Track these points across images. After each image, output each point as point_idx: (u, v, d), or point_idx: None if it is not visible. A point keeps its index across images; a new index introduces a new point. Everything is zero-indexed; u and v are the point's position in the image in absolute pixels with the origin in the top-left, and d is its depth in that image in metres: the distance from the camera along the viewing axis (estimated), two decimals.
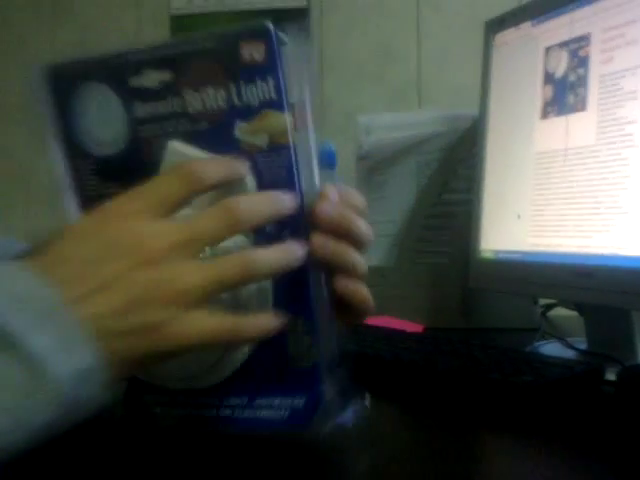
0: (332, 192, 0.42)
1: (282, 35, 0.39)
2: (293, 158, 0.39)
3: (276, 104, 0.39)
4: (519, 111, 0.79)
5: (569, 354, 0.72)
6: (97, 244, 0.35)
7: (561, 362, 0.60)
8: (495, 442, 0.47)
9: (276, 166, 0.39)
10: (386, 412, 0.54)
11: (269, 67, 0.39)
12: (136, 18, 2.01)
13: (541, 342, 0.78)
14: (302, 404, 0.40)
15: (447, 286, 0.96)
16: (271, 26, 0.38)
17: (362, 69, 1.91)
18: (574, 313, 0.93)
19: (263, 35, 0.39)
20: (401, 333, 0.77)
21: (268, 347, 0.39)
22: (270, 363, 0.40)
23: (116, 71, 0.41)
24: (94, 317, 0.33)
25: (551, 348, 0.75)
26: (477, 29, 0.90)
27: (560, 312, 1.02)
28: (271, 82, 0.38)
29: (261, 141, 0.39)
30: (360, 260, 0.42)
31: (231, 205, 0.37)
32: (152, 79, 0.40)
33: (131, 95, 0.41)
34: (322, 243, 0.40)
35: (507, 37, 0.82)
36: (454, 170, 0.97)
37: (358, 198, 0.44)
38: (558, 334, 0.81)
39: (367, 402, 0.44)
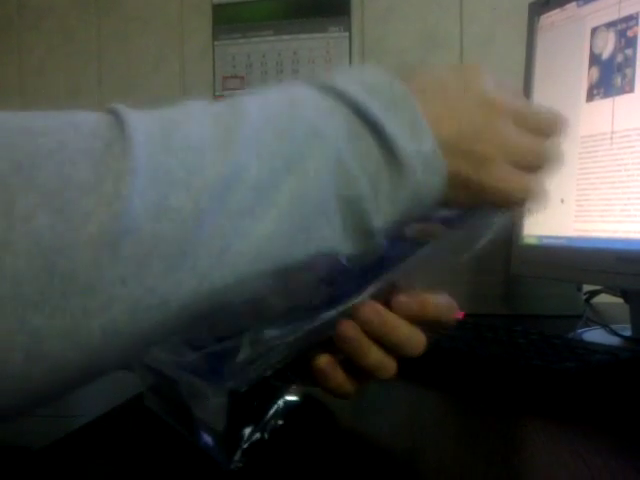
0: None
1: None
2: None
3: None
4: (564, 94, 0.78)
5: (613, 341, 0.71)
6: (454, 80, 0.40)
7: (605, 349, 0.59)
8: (538, 429, 0.47)
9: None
10: (427, 399, 0.54)
11: None
12: (179, 8, 2.03)
13: (584, 329, 0.77)
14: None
15: (489, 272, 0.95)
16: None
17: (404, 55, 1.89)
18: (619, 300, 0.92)
19: None
20: None
21: None
22: None
23: None
24: (439, 126, 0.37)
25: (595, 335, 0.74)
26: (521, 11, 0.89)
27: (604, 299, 1.00)
28: None
29: None
30: None
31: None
32: None
33: None
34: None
35: (552, 18, 0.81)
36: None
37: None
38: (602, 321, 0.80)
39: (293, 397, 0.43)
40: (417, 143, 0.35)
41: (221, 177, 0.30)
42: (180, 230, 0.29)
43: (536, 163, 0.43)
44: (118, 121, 0.29)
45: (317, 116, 0.34)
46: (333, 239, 0.34)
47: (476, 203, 0.40)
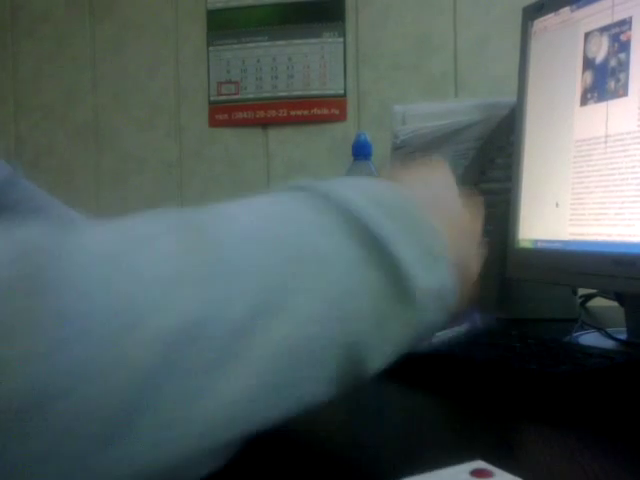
0: None
1: None
2: None
3: None
4: (558, 98, 0.78)
5: (608, 344, 0.71)
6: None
7: (600, 352, 0.59)
8: (534, 433, 0.47)
9: None
10: (423, 403, 0.53)
11: None
12: (173, 14, 2.03)
13: (580, 332, 0.77)
14: None
15: (484, 276, 0.95)
16: None
17: (398, 59, 1.90)
18: (614, 303, 0.92)
19: None
20: None
21: None
22: None
23: None
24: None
25: (590, 338, 0.74)
26: (515, 16, 0.89)
27: (599, 302, 1.00)
28: None
29: None
30: None
31: None
32: None
33: None
34: None
35: (545, 23, 0.81)
36: (491, 159, 0.96)
37: None
38: (597, 325, 0.80)
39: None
40: (433, 276, 0.30)
41: (189, 320, 0.23)
42: (121, 394, 0.22)
43: None
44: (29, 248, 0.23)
45: (315, 234, 0.28)
46: (322, 393, 0.28)
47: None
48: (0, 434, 0.21)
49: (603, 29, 0.71)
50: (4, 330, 0.21)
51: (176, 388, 0.23)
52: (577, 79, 0.74)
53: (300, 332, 0.26)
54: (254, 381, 0.25)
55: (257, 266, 0.26)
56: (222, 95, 2.00)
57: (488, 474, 0.33)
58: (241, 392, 0.25)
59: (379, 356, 0.30)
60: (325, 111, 1.93)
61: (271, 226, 0.28)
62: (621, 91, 0.68)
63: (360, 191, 0.31)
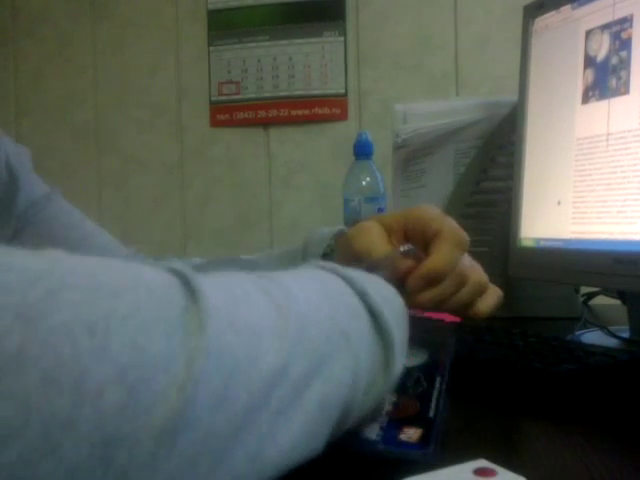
0: None
1: None
2: None
3: None
4: (559, 96, 0.78)
5: (611, 343, 0.70)
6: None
7: (603, 350, 0.59)
8: (537, 431, 0.46)
9: None
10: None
11: None
12: (174, 14, 2.03)
13: (582, 331, 0.77)
14: None
15: (487, 275, 0.95)
16: None
17: (399, 58, 1.90)
18: (616, 302, 0.92)
19: None
20: (440, 323, 0.77)
21: None
22: None
23: None
24: None
25: (593, 337, 0.74)
26: (516, 14, 0.89)
27: (602, 300, 1.00)
28: None
29: None
30: None
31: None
32: None
33: None
34: None
35: (546, 21, 0.81)
36: (493, 157, 0.96)
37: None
38: (600, 323, 0.80)
39: None
40: (401, 356, 0.38)
41: (272, 370, 0.28)
42: (229, 425, 0.26)
43: None
44: (189, 288, 0.27)
45: (348, 316, 0.35)
46: (322, 446, 0.33)
47: None
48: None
49: (604, 27, 0.71)
50: (169, 354, 0.24)
51: (258, 427, 0.27)
52: (578, 77, 0.74)
53: (331, 391, 0.32)
54: (301, 430, 0.30)
55: (316, 332, 0.32)
56: (223, 95, 2.00)
57: (491, 473, 0.33)
58: (295, 435, 0.30)
59: (359, 414, 0.36)
60: (326, 110, 1.93)
61: (322, 304, 0.35)
62: (622, 89, 0.68)
63: (375, 288, 0.39)
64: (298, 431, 0.30)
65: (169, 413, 0.23)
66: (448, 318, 0.57)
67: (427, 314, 0.68)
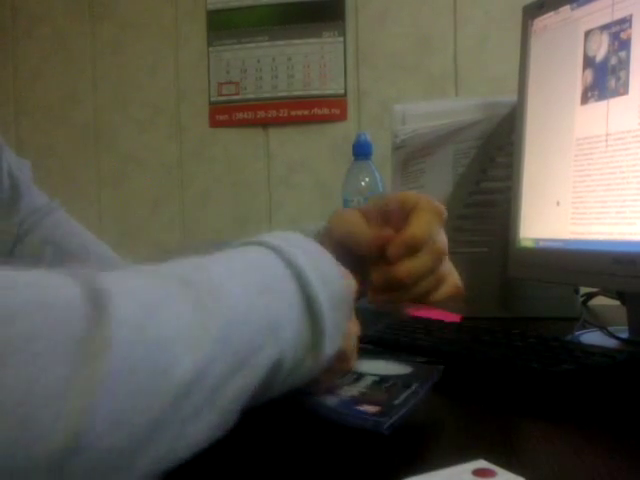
0: None
1: None
2: None
3: None
4: (558, 97, 0.78)
5: (610, 343, 0.70)
6: None
7: (602, 351, 0.59)
8: (536, 431, 0.47)
9: None
10: (425, 403, 0.53)
11: None
12: (173, 14, 2.03)
13: (582, 331, 0.77)
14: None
15: (486, 275, 0.95)
16: None
17: (398, 58, 1.90)
18: (615, 302, 0.92)
19: None
20: (439, 323, 0.77)
21: None
22: None
23: None
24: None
25: (592, 337, 0.74)
26: (515, 14, 0.89)
27: (601, 301, 1.00)
28: None
29: None
30: None
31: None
32: None
33: None
34: None
35: (546, 22, 0.81)
36: (492, 158, 0.96)
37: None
38: (599, 323, 0.80)
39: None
40: (336, 337, 0.39)
41: (184, 381, 0.28)
42: (131, 442, 0.26)
43: None
44: (97, 302, 0.27)
45: (281, 306, 0.36)
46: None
47: None
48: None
49: (603, 27, 0.71)
50: (65, 385, 0.24)
51: (166, 438, 0.28)
52: (577, 77, 0.74)
53: (249, 384, 0.33)
54: (214, 424, 0.31)
55: (243, 329, 0.33)
56: (222, 95, 2.00)
57: (490, 473, 0.33)
58: (210, 431, 0.31)
59: (282, 389, 0.38)
60: (325, 111, 1.93)
61: (255, 297, 0.35)
62: (622, 89, 0.68)
63: (314, 267, 0.39)
64: (211, 426, 0.30)
65: (59, 445, 0.23)
66: (448, 318, 0.57)
67: (427, 315, 0.69)
